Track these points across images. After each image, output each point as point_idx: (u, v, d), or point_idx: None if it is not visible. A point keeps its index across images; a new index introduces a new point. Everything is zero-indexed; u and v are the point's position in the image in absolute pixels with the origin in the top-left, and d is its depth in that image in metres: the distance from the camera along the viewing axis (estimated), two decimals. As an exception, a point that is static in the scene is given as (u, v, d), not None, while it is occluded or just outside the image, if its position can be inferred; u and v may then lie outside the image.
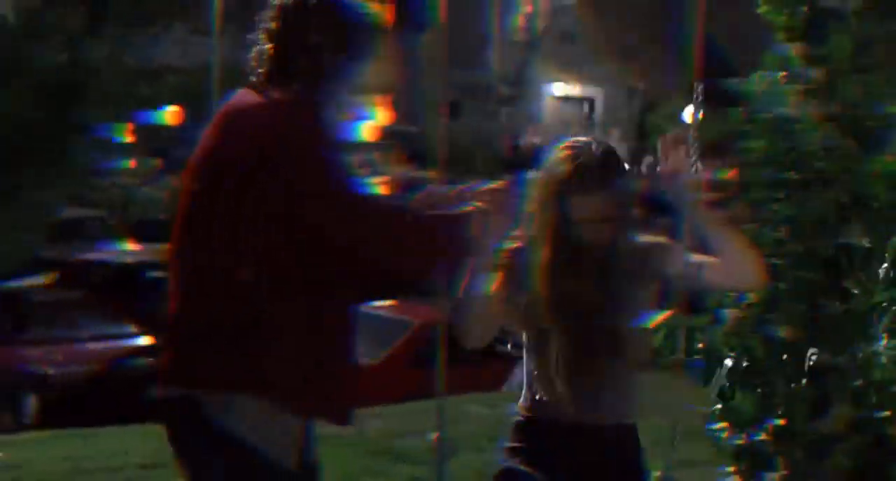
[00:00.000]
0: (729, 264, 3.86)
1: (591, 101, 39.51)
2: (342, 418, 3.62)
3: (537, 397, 4.01)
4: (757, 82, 5.87)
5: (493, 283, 3.93)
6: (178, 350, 3.59)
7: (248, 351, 3.47)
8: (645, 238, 4.00)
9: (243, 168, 3.49)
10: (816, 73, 5.72)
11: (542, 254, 3.94)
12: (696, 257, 3.92)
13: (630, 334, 3.95)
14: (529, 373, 4.04)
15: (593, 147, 3.94)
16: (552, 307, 3.93)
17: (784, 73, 5.79)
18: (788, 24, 5.72)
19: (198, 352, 3.52)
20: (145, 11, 19.99)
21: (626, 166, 4.10)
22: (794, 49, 5.75)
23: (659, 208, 4.15)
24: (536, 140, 35.43)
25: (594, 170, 3.89)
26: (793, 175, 5.74)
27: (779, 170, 5.78)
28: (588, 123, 39.25)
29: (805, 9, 5.69)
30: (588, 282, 3.93)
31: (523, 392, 4.07)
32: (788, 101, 5.78)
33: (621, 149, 32.02)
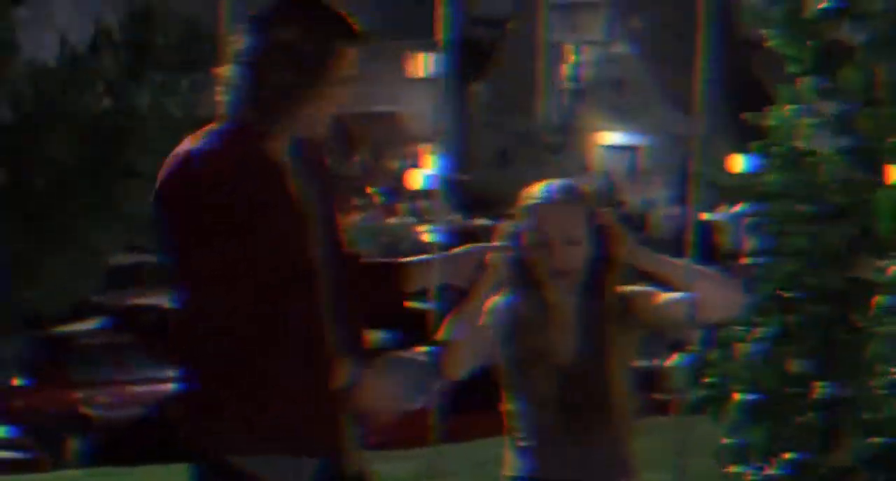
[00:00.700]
0: (711, 295, 3.76)
1: (638, 149, 39.58)
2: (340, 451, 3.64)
3: (525, 456, 3.89)
4: (772, 116, 5.91)
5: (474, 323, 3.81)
6: (195, 418, 3.63)
7: (265, 408, 3.49)
8: (626, 288, 3.88)
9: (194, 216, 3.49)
10: (829, 107, 5.74)
11: (517, 308, 3.88)
12: (675, 296, 3.82)
13: (614, 387, 3.85)
14: (515, 431, 3.92)
15: (554, 186, 3.86)
16: (530, 362, 3.85)
17: (797, 107, 5.81)
18: (800, 58, 5.75)
19: (217, 419, 3.57)
20: (187, 58, 20.20)
21: (599, 207, 4.03)
22: (806, 82, 5.78)
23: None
24: (584, 187, 35.41)
25: (553, 202, 3.82)
26: (806, 208, 5.76)
27: (793, 202, 5.80)
28: (634, 171, 39.28)
29: (815, 42, 5.72)
30: (564, 336, 3.85)
31: (511, 451, 3.94)
32: (802, 135, 5.80)
33: (665, 196, 31.74)
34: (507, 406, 3.93)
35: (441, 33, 5.75)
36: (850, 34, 5.72)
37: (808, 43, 5.76)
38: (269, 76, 3.51)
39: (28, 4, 22.58)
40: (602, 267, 3.84)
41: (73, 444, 17.11)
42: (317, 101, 3.52)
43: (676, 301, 3.81)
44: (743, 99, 5.76)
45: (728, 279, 3.84)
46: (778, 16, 5.89)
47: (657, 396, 12.08)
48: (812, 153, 5.80)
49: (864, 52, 5.70)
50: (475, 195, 32.29)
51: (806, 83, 5.81)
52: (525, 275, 3.86)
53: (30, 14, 23.31)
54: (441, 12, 4.83)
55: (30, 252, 19.49)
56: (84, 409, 17.66)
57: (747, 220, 5.93)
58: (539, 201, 3.84)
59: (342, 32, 3.54)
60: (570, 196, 3.83)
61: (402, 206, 35.89)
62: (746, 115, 5.91)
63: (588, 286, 3.85)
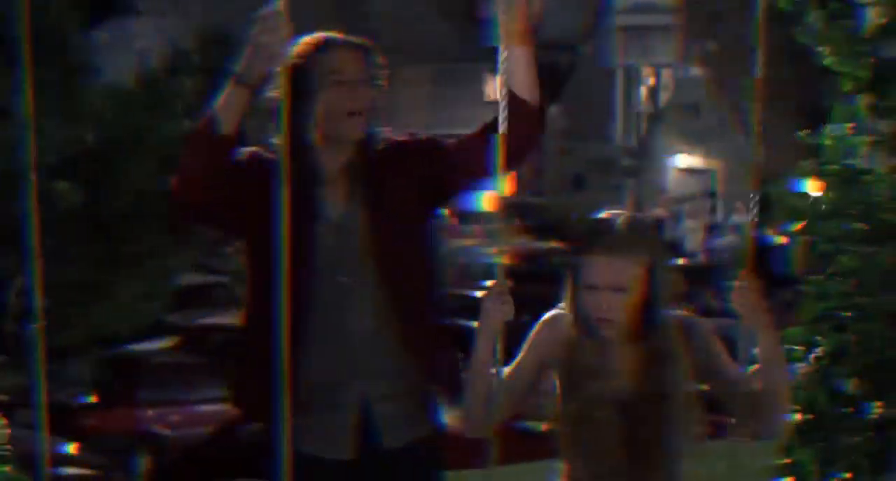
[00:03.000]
0: (771, 388, 3.80)
1: (714, 174, 39.38)
2: None
3: None
4: (826, 134, 5.86)
5: (509, 367, 3.86)
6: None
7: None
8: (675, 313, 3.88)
9: None
10: (884, 125, 5.70)
11: (576, 355, 3.85)
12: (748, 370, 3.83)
13: (672, 429, 3.84)
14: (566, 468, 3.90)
15: (620, 219, 3.83)
16: (589, 408, 3.82)
17: (852, 125, 5.77)
18: (854, 76, 5.70)
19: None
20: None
21: (663, 241, 4.02)
22: (861, 100, 5.74)
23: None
24: (661, 212, 35.27)
25: (615, 238, 3.79)
26: (861, 227, 5.71)
27: (847, 222, 5.75)
28: (710, 195, 39.06)
29: (871, 60, 5.68)
30: (621, 382, 3.82)
31: None
32: (857, 153, 5.76)
33: (740, 221, 31.39)
34: (562, 454, 3.90)
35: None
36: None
37: (863, 61, 5.72)
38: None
39: (107, 27, 22.86)
40: (653, 314, 3.82)
41: (141, 463, 17.24)
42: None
43: (738, 375, 3.83)
44: (816, 121, 5.72)
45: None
46: (834, 34, 5.86)
47: (714, 418, 11.98)
48: (866, 172, 5.75)
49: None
50: (549, 218, 32.28)
51: (861, 101, 5.77)
52: (580, 321, 3.84)
53: (109, 37, 23.59)
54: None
55: (102, 272, 19.68)
56: (152, 428, 17.79)
57: (801, 240, 5.89)
58: (590, 247, 3.82)
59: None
60: (622, 244, 3.79)
61: (475, 228, 35.91)
62: (800, 134, 5.88)
63: (641, 332, 3.83)
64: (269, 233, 3.49)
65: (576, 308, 3.83)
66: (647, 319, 3.82)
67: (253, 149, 4.02)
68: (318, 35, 4.05)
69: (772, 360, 3.82)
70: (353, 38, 4.02)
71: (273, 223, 3.42)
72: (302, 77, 3.92)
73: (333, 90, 3.93)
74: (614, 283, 3.76)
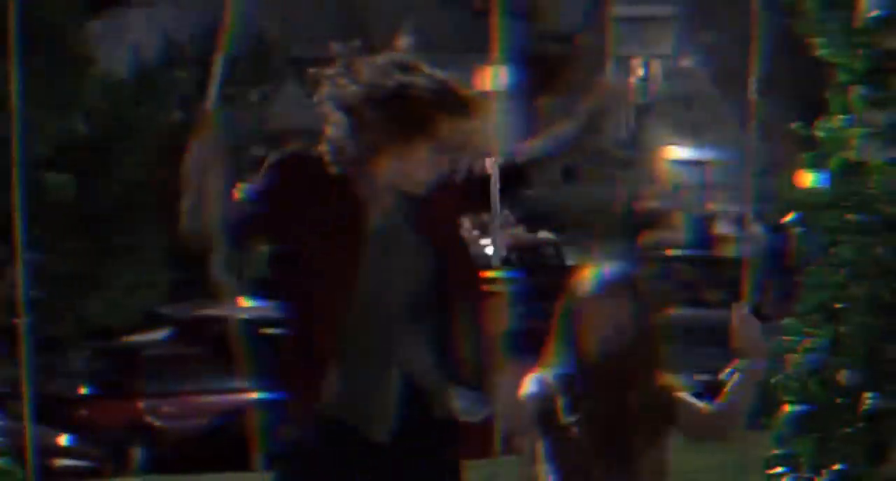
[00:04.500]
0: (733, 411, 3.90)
1: (706, 164, 39.38)
2: None
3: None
4: (822, 126, 5.86)
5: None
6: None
7: None
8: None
9: None
10: (880, 116, 5.68)
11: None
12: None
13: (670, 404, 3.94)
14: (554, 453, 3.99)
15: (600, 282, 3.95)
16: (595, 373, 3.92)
17: (848, 117, 5.76)
18: (850, 67, 5.69)
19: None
20: (258, 72, 20.32)
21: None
22: (856, 92, 5.73)
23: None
24: (652, 203, 35.31)
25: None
26: (856, 218, 5.70)
27: (842, 213, 5.74)
28: (702, 187, 39.08)
29: (867, 51, 5.66)
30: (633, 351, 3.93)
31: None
32: (851, 145, 5.75)
33: (733, 213, 31.39)
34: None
35: (500, 46, 5.77)
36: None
37: (859, 52, 5.71)
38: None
39: (102, 18, 22.84)
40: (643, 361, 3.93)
41: (137, 454, 17.23)
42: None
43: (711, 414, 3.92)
44: (814, 113, 5.72)
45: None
46: (831, 25, 5.85)
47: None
48: (862, 163, 5.75)
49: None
50: (540, 209, 32.26)
51: (856, 93, 5.75)
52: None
53: (104, 28, 23.56)
54: (499, 24, 4.85)
55: (96, 264, 19.68)
56: (148, 419, 17.78)
57: (798, 231, 5.89)
58: (584, 296, 3.92)
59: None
60: (613, 292, 3.91)
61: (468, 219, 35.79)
62: (795, 126, 5.87)
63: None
64: (318, 241, 3.70)
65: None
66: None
67: (295, 150, 3.96)
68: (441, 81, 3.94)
69: (745, 388, 3.90)
70: (474, 97, 3.94)
71: (321, 232, 3.64)
72: (394, 114, 3.83)
73: (417, 148, 3.85)
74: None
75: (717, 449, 4.86)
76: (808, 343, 5.70)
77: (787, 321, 5.80)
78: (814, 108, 6.18)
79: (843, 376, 5.60)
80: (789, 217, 5.89)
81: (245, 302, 23.55)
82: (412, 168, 3.82)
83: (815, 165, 5.89)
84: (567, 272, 4.10)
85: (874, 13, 5.74)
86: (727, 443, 4.08)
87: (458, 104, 3.84)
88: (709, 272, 25.75)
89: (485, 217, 4.36)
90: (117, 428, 17.35)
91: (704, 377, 7.61)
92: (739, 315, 3.88)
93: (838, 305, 5.66)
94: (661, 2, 40.33)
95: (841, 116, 5.79)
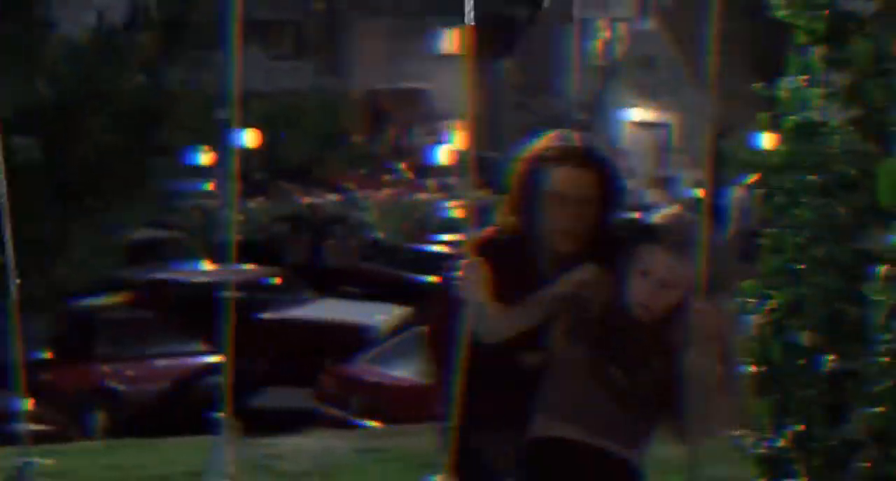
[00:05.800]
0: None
1: (667, 127, 39.41)
2: None
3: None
4: (781, 87, 5.85)
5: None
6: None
7: None
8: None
9: None
10: (838, 77, 5.68)
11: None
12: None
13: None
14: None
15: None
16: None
17: (806, 77, 5.75)
18: (809, 28, 5.68)
19: None
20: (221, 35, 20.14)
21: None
22: (815, 53, 5.72)
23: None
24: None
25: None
26: (814, 179, 5.70)
27: (801, 174, 5.74)
28: (663, 149, 39.17)
29: (825, 12, 5.65)
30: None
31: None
32: (811, 105, 5.75)
33: (694, 176, 31.58)
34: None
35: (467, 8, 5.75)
36: (860, 4, 5.65)
37: (818, 13, 5.70)
38: None
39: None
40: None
41: (98, 418, 17.20)
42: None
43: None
44: (773, 76, 5.73)
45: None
46: (790, -14, 5.83)
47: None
48: (821, 124, 5.74)
49: (875, 23, 5.63)
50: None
51: (815, 53, 5.75)
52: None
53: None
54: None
55: (58, 228, 19.56)
56: (108, 383, 17.76)
57: (756, 192, 5.89)
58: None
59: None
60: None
61: (430, 182, 35.79)
62: (754, 86, 5.87)
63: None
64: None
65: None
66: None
67: (487, 234, 4.37)
68: (552, 145, 4.33)
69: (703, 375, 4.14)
70: (588, 151, 4.29)
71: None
72: (531, 182, 4.27)
73: (549, 205, 4.24)
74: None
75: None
76: (765, 304, 5.71)
77: (747, 283, 5.82)
78: (771, 70, 6.18)
79: (803, 337, 5.61)
80: (748, 179, 5.89)
81: (206, 265, 23.52)
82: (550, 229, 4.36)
83: (772, 126, 5.89)
84: None
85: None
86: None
87: None
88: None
89: None
90: (78, 393, 17.31)
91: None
92: (699, 308, 4.01)
93: (798, 267, 5.67)
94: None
95: (800, 77, 5.78)
